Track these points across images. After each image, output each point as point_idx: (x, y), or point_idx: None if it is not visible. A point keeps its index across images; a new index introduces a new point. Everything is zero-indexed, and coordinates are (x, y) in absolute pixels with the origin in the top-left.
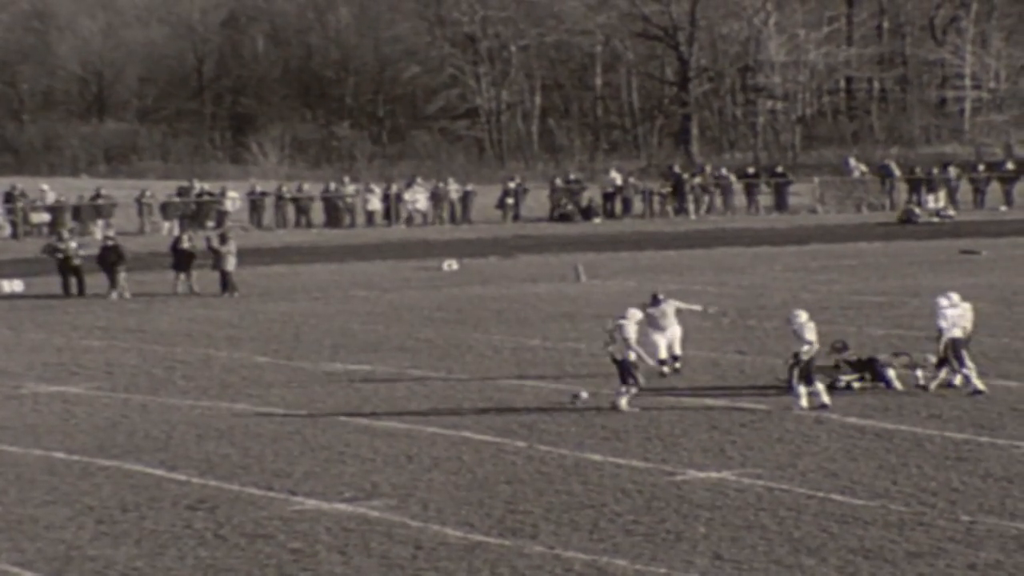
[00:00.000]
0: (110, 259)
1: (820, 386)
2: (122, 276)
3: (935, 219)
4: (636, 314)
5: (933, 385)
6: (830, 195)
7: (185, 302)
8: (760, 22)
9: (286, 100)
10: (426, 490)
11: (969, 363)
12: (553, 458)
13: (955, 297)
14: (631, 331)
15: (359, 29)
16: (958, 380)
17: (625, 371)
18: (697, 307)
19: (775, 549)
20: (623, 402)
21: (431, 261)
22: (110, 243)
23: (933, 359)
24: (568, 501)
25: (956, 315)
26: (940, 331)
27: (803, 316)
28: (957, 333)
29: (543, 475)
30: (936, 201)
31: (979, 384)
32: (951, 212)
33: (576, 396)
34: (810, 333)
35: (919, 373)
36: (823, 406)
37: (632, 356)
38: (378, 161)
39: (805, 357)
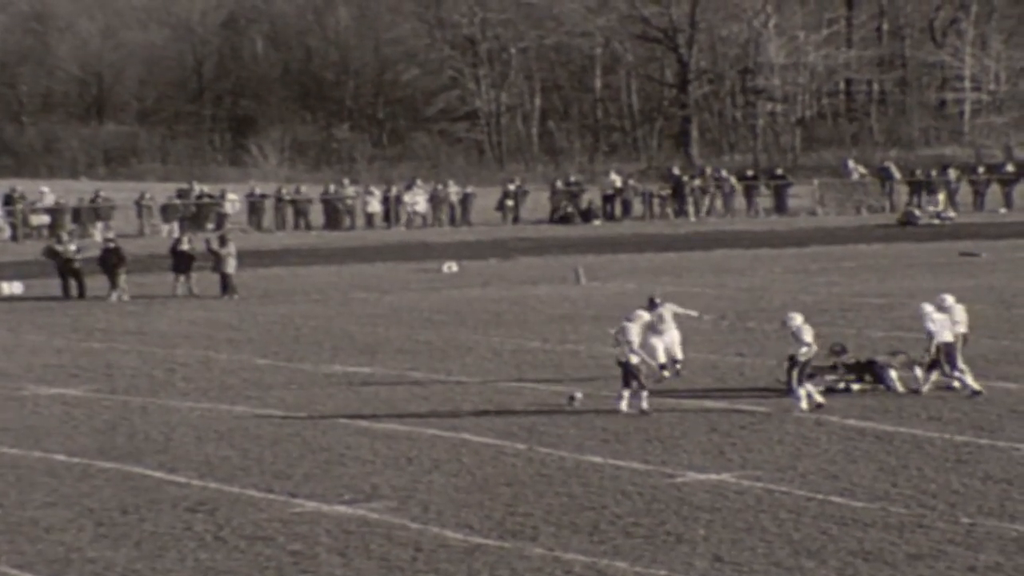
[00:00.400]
0: (111, 261)
1: (811, 386)
2: (122, 278)
3: (935, 221)
4: (643, 316)
5: (925, 388)
6: (830, 197)
7: (185, 304)
8: (760, 24)
9: (286, 102)
10: (426, 492)
11: (961, 365)
12: (553, 460)
13: (949, 299)
14: (634, 333)
15: (359, 31)
16: (957, 383)
17: (627, 374)
18: (694, 313)
19: (775, 551)
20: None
21: (431, 263)
22: (111, 245)
23: (928, 359)
24: (568, 503)
25: (942, 319)
26: (930, 335)
27: (799, 318)
28: (947, 337)
29: (543, 477)
30: (936, 204)
31: (975, 385)
32: (951, 214)
33: (572, 397)
34: (808, 335)
35: (918, 373)
36: (819, 405)
37: (635, 359)
38: (378, 163)
39: (802, 359)
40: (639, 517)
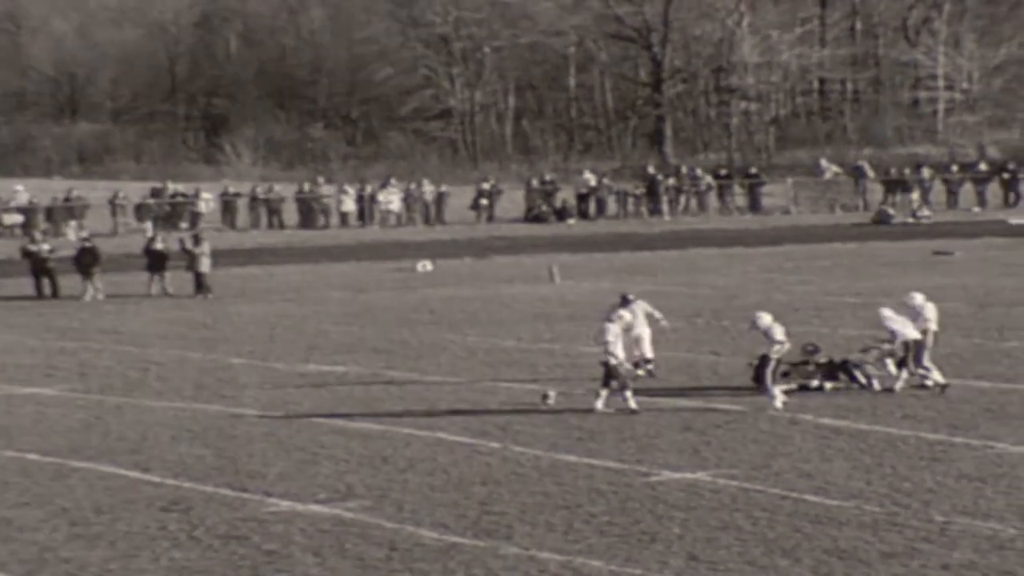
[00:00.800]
0: (85, 260)
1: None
2: (97, 277)
3: (910, 220)
4: (624, 316)
5: (898, 386)
6: (804, 196)
7: (159, 303)
8: (733, 23)
9: (260, 101)
10: (401, 491)
11: (927, 363)
12: (528, 459)
13: (919, 297)
14: (610, 334)
15: (333, 30)
16: (930, 382)
17: (606, 373)
18: (658, 314)
19: (749, 550)
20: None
21: (405, 262)
22: (86, 244)
23: (901, 353)
24: (543, 502)
25: (902, 319)
26: (893, 335)
27: (768, 318)
28: (912, 334)
29: (518, 476)
30: (913, 203)
31: (940, 379)
32: (927, 212)
33: (546, 396)
34: (779, 333)
35: (891, 368)
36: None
37: (612, 360)
38: (352, 162)
39: (775, 356)
40: (614, 516)
